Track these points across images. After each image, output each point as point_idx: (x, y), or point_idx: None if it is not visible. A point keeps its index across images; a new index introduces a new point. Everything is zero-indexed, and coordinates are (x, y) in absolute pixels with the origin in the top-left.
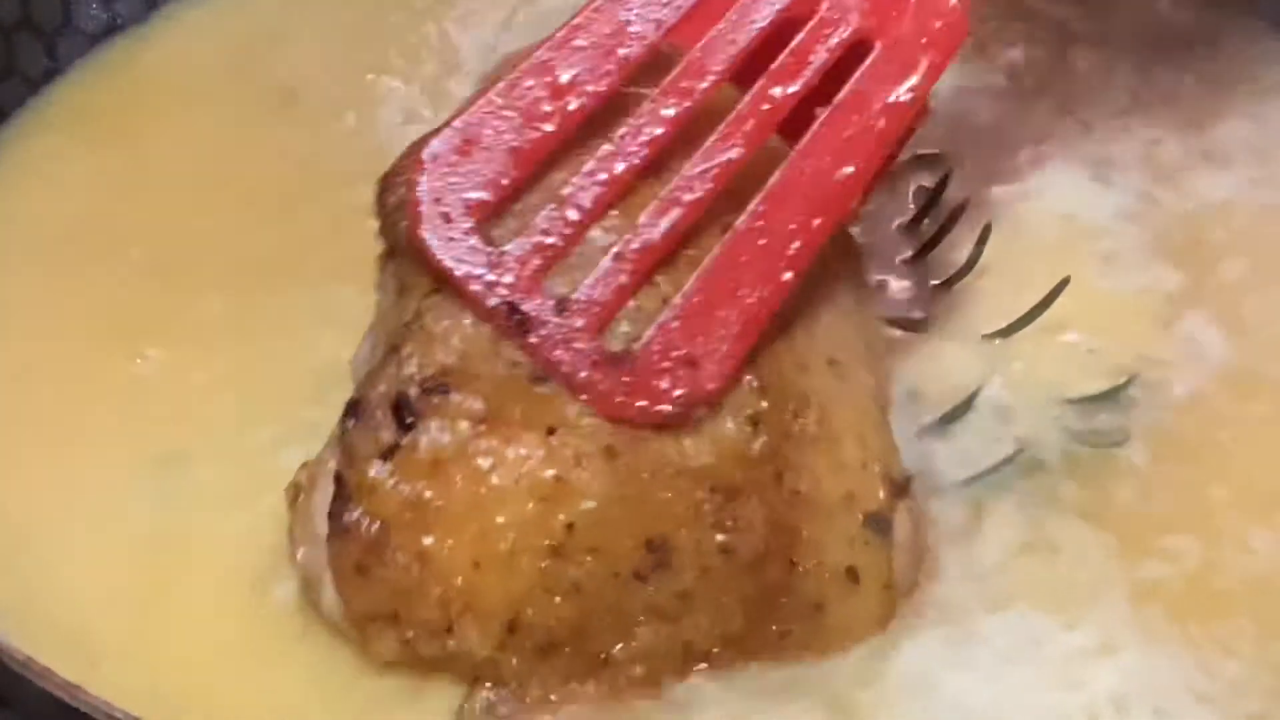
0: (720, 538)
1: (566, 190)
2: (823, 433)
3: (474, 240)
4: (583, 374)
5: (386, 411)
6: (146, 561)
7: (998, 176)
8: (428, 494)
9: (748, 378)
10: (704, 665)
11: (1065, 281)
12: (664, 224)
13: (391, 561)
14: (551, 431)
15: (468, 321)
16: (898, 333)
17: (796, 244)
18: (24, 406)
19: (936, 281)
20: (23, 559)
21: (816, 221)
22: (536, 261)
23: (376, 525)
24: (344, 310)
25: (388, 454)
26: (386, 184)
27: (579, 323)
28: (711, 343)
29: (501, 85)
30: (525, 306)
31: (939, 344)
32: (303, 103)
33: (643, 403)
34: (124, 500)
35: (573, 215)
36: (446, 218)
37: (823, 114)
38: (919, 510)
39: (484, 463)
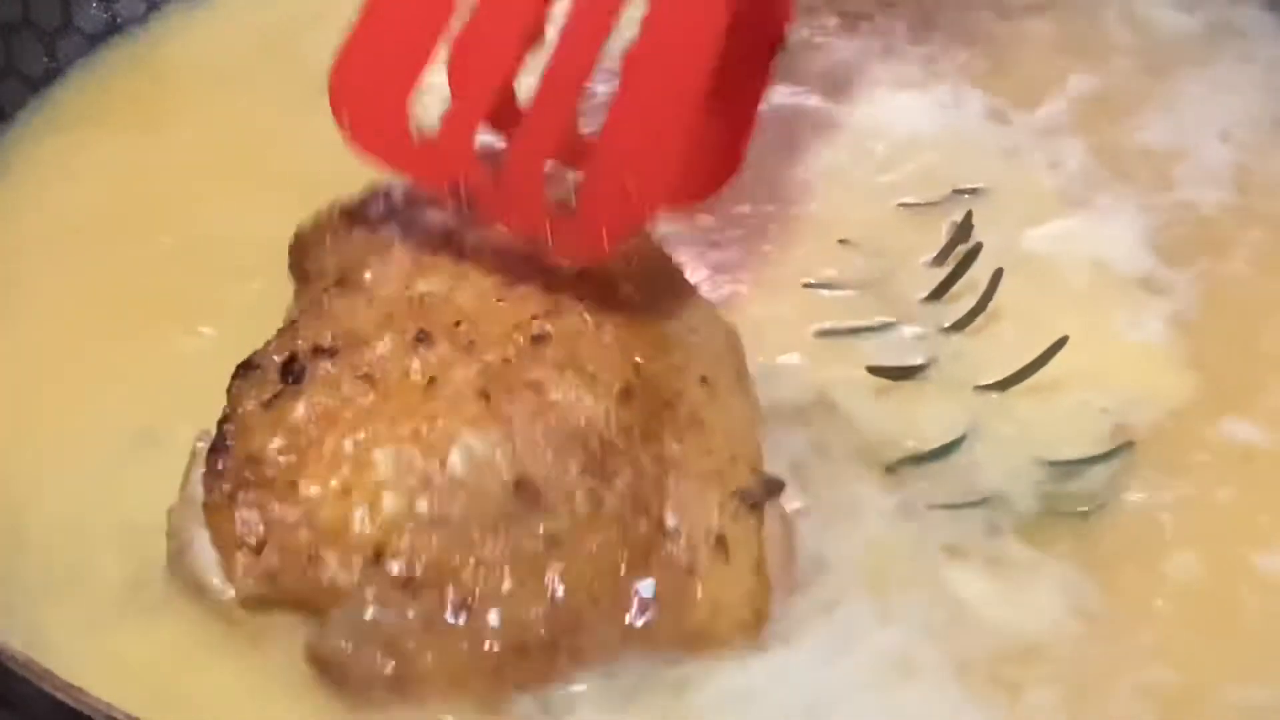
0: (589, 483)
1: (473, 64)
2: (692, 423)
3: (406, 133)
4: (536, 229)
5: (275, 369)
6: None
7: (1035, 216)
8: (304, 433)
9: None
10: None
11: (1063, 341)
12: (566, 74)
13: (261, 488)
14: (431, 382)
15: (364, 303)
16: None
17: (687, 60)
18: (42, 386)
19: (947, 325)
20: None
21: (698, 43)
22: (464, 138)
23: (250, 460)
24: None
25: (269, 403)
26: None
27: (518, 183)
28: (638, 170)
29: None
30: (469, 182)
31: (931, 391)
32: None
33: (594, 239)
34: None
35: (483, 85)
36: (376, 121)
37: None
38: (790, 519)
39: (362, 405)
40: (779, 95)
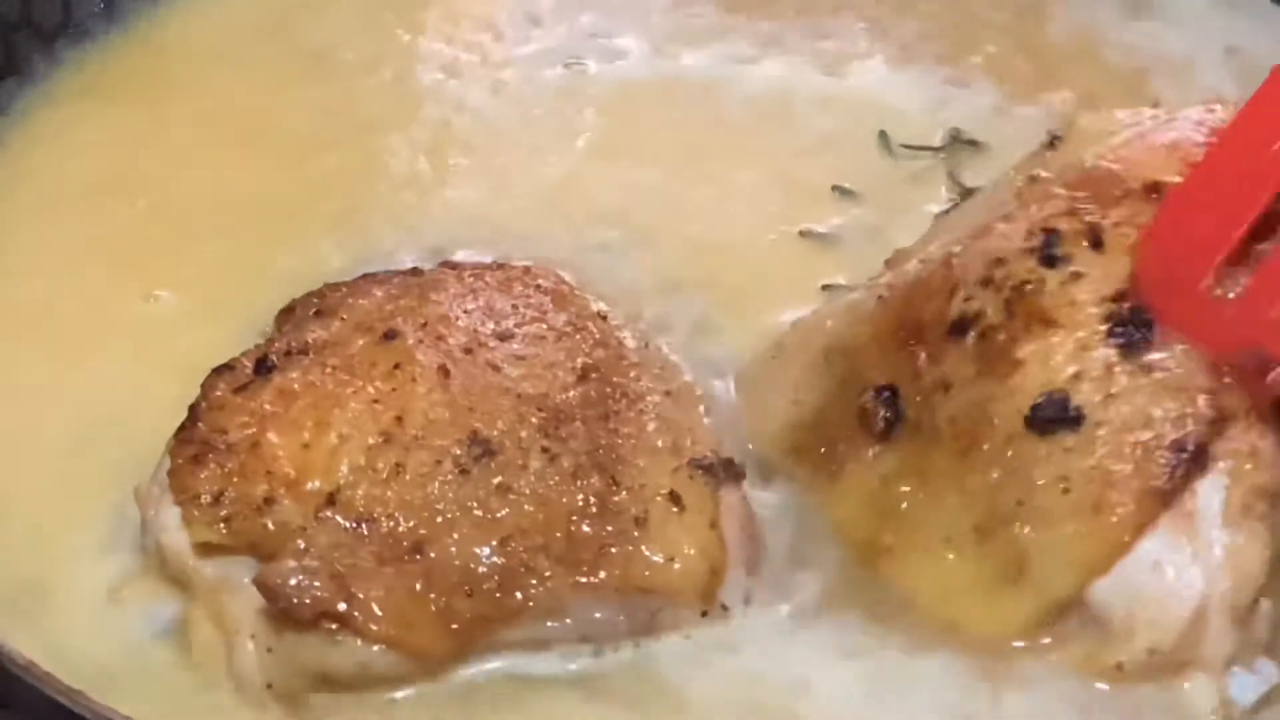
0: (543, 442)
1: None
2: (649, 408)
3: (1204, 294)
4: None
5: (249, 366)
6: None
7: None
8: (269, 408)
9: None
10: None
11: None
12: None
13: (224, 450)
14: (396, 367)
15: (338, 322)
16: None
17: None
18: (41, 333)
19: None
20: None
21: None
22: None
23: (216, 430)
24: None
25: (239, 390)
26: None
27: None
28: None
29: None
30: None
31: None
32: (334, 62)
33: None
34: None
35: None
36: (1176, 275)
37: None
38: (749, 502)
39: (328, 386)
40: (774, 68)
